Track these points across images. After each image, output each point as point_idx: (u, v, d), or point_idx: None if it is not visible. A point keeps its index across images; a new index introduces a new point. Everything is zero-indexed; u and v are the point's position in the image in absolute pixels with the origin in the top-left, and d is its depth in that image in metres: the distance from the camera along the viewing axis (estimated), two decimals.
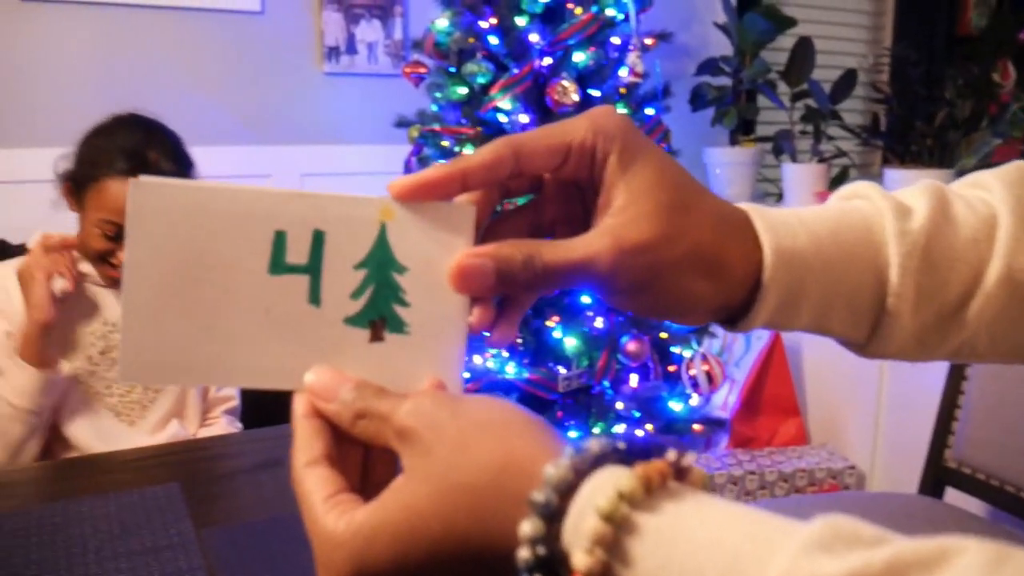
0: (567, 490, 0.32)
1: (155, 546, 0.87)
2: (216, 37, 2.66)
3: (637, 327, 2.21)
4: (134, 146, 1.35)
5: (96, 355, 1.40)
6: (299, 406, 0.41)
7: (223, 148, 2.69)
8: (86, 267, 1.42)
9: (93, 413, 1.40)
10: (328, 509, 0.37)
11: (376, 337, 0.42)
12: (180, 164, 1.41)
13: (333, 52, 2.80)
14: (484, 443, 0.35)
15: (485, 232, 0.44)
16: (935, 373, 1.69)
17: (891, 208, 0.45)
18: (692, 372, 2.30)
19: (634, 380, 2.27)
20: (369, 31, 2.84)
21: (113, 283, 1.41)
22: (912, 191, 0.47)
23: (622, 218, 0.41)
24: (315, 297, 0.41)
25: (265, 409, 1.69)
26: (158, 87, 2.58)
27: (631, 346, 2.16)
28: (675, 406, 2.31)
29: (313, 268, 0.41)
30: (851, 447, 2.40)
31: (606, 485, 0.31)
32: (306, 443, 0.39)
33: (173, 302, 0.40)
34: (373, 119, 2.86)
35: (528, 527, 0.32)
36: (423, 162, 2.37)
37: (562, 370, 2.16)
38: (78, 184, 1.38)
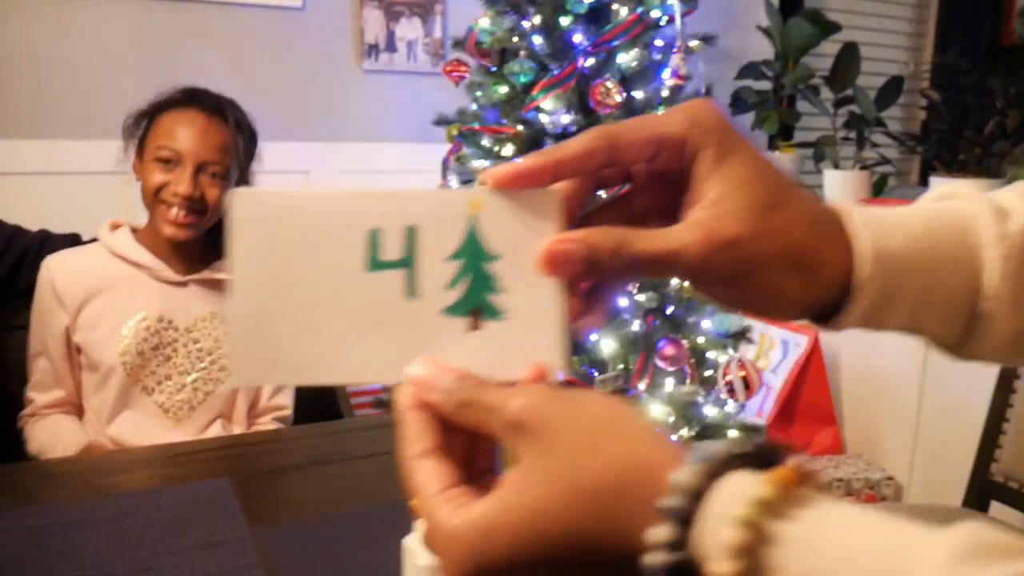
0: (695, 495, 0.32)
1: (209, 542, 0.87)
2: (257, 32, 2.67)
3: (675, 330, 2.19)
4: (187, 88, 1.43)
5: (148, 350, 1.39)
6: (403, 398, 0.41)
7: (261, 144, 2.70)
8: (145, 257, 1.41)
9: (139, 409, 1.40)
10: (443, 503, 0.37)
11: (474, 326, 0.43)
12: (233, 109, 1.46)
13: (372, 49, 2.81)
14: (608, 444, 0.35)
15: (579, 222, 0.44)
16: (979, 384, 1.66)
17: (989, 210, 0.45)
18: (728, 377, 2.27)
19: (670, 384, 2.25)
20: (409, 29, 2.84)
21: (175, 229, 1.38)
22: (1008, 193, 0.47)
23: (714, 211, 0.40)
24: (412, 290, 0.42)
25: (310, 409, 1.70)
26: (199, 81, 2.59)
27: (668, 350, 2.14)
28: (711, 411, 2.29)
29: (408, 262, 0.42)
30: (889, 457, 2.36)
31: (741, 492, 0.31)
32: (415, 435, 0.40)
33: (276, 305, 0.41)
34: (411, 117, 2.86)
35: (660, 533, 0.32)
36: (460, 161, 2.37)
37: (598, 372, 2.15)
38: (139, 139, 1.42)
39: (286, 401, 1.55)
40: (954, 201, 0.47)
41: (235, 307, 0.41)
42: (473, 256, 0.42)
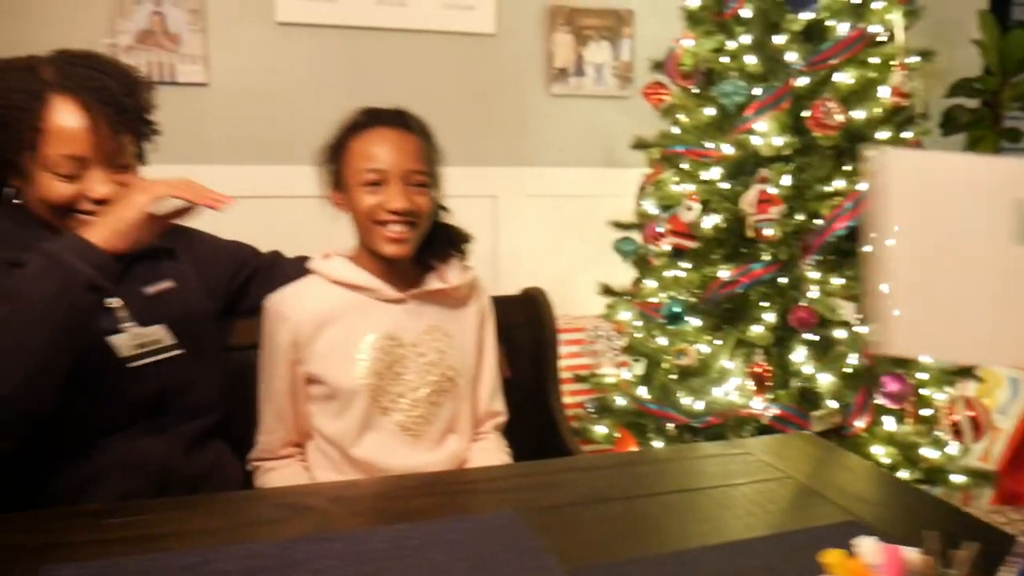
0: None
1: None
2: (451, 58, 2.71)
3: (897, 365, 2.05)
4: (364, 109, 1.42)
5: (384, 370, 1.39)
6: None
7: (451, 169, 2.73)
8: (366, 279, 1.41)
9: (380, 429, 1.39)
10: None
11: None
12: (413, 119, 1.44)
13: (562, 74, 2.80)
14: None
15: None
16: None
17: None
18: (954, 417, 2.11)
19: (890, 423, 2.10)
20: (598, 52, 2.82)
21: (396, 246, 1.36)
22: None
23: None
24: None
25: (529, 432, 1.67)
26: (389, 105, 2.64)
27: (892, 385, 2.00)
28: (934, 453, 2.12)
29: None
30: None
31: None
32: None
33: (930, 272, 0.40)
34: (598, 141, 2.83)
35: None
36: (658, 185, 2.31)
37: (814, 408, 2.03)
38: (334, 171, 1.41)
39: (502, 407, 1.54)
40: None
41: (894, 271, 0.39)
42: None
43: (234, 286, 1.47)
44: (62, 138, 1.10)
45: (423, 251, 1.44)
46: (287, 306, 1.39)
